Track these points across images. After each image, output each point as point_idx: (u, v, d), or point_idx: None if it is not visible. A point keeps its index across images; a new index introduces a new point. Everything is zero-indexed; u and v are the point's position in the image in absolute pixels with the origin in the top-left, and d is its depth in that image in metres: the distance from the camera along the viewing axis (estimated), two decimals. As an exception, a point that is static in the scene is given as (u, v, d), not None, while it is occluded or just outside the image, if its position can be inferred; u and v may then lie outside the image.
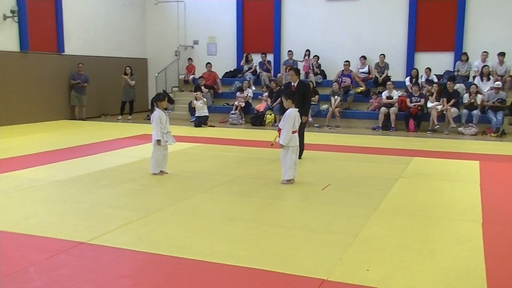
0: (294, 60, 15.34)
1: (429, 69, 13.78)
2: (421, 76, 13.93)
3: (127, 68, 15.40)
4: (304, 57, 15.22)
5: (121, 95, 15.36)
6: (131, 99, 15.39)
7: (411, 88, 13.31)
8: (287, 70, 14.85)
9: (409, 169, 7.74)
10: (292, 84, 8.44)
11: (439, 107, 12.69)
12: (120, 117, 15.15)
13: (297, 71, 8.65)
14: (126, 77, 15.21)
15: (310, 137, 10.64)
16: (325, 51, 15.44)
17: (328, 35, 15.56)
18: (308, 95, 8.48)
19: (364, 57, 14.82)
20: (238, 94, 14.79)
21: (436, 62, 14.33)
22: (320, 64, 15.27)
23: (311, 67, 15.14)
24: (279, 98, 14.02)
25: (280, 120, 13.40)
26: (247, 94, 14.76)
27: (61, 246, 4.22)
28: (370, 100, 13.91)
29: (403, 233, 4.67)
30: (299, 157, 8.43)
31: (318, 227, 4.80)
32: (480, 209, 5.55)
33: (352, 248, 4.24)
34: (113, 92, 15.91)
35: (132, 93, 15.41)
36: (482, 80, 13.10)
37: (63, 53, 14.58)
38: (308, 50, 15.15)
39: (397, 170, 7.60)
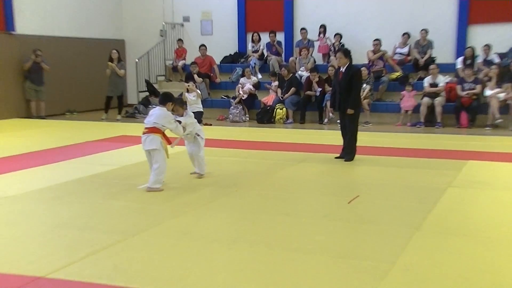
0: (309, 40, 15.37)
1: (487, 46, 13.66)
2: (477, 56, 13.78)
3: (114, 52, 15.13)
4: (319, 36, 15.20)
5: (107, 89, 15.09)
6: (120, 93, 15.21)
7: (463, 71, 13.20)
8: (304, 52, 14.97)
9: (462, 176, 7.73)
10: (341, 69, 8.80)
11: (501, 96, 12.59)
12: (104, 115, 14.89)
13: (347, 53, 8.81)
14: (113, 64, 14.96)
15: (331, 136, 10.69)
16: (349, 28, 15.47)
17: (352, 7, 15.61)
18: (357, 84, 8.77)
19: (407, 34, 14.66)
20: (243, 80, 14.75)
21: (497, 37, 14.12)
22: (343, 44, 15.24)
23: (332, 48, 15.11)
24: (292, 88, 14.08)
25: (292, 115, 13.59)
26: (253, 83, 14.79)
27: (10, 284, 4.17)
28: (402, 92, 13.55)
29: (455, 260, 4.62)
30: (351, 159, 8.69)
31: (344, 251, 4.79)
32: (557, 227, 5.50)
33: (389, 278, 4.21)
34: (81, 82, 16.00)
35: (121, 85, 15.25)
36: None
37: (13, 32, 14.60)
38: (323, 26, 15.20)
39: (446, 178, 7.59)
